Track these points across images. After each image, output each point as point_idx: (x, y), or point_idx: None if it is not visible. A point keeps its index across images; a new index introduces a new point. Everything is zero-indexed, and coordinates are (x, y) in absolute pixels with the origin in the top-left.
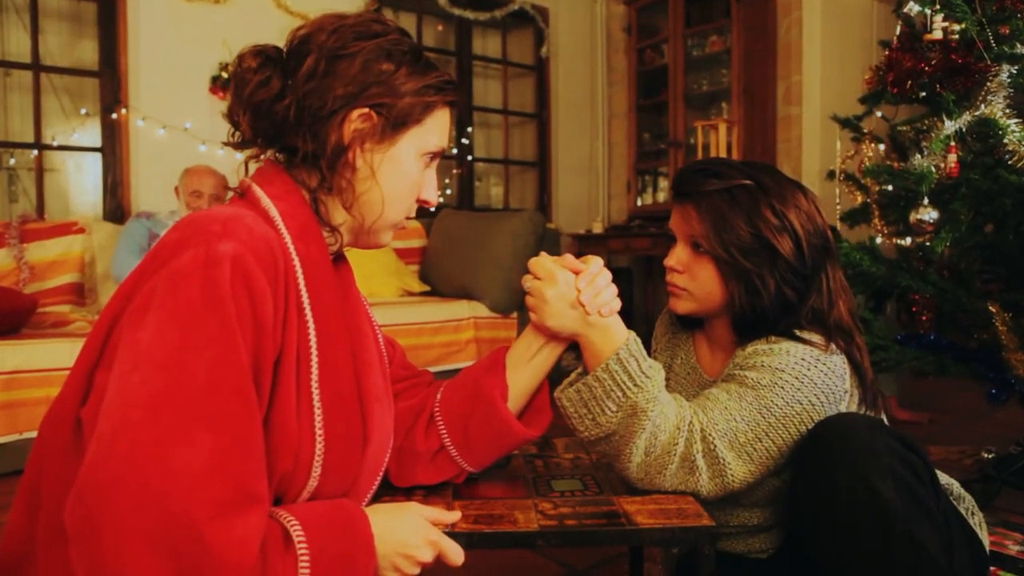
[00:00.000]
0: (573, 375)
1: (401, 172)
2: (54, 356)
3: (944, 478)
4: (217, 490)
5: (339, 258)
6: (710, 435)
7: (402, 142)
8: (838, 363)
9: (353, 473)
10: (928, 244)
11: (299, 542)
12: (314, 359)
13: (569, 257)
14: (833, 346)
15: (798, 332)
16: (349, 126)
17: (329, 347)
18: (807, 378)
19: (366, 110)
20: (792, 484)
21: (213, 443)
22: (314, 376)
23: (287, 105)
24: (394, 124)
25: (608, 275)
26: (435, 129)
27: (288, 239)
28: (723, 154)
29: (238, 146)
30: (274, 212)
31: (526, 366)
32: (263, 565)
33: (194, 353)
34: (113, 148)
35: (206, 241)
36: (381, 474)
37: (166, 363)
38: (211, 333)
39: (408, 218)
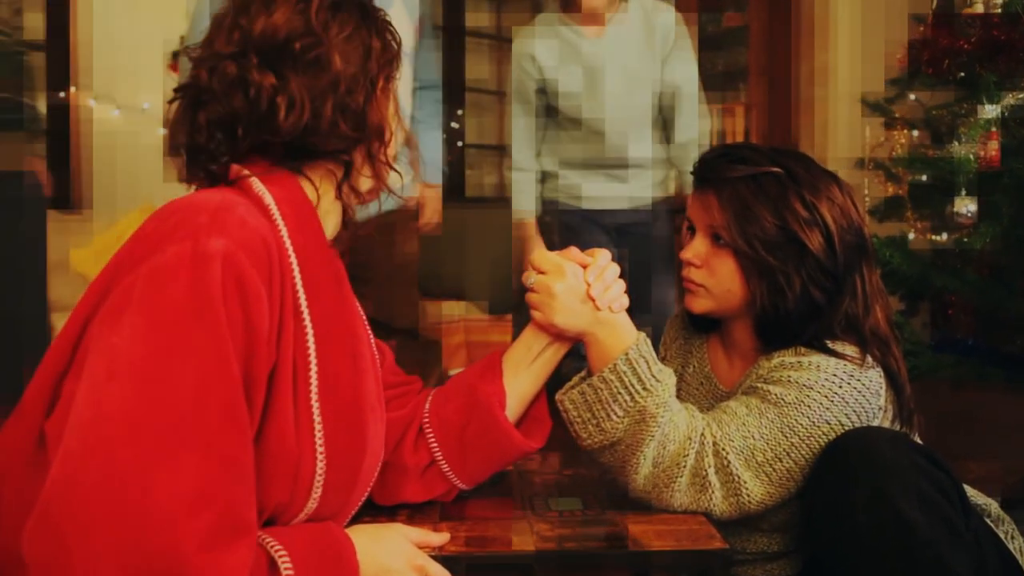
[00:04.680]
0: (576, 378)
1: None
2: None
3: (981, 498)
4: (204, 519)
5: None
6: (724, 450)
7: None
8: (874, 378)
9: (350, 491)
10: (966, 240)
11: (286, 572)
12: (313, 368)
13: (574, 250)
14: (869, 359)
15: (830, 343)
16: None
17: (329, 354)
18: (838, 396)
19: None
20: (808, 502)
21: (200, 466)
22: (313, 387)
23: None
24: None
25: (616, 269)
26: None
27: (284, 231)
28: (740, 140)
29: None
30: (269, 199)
31: (526, 370)
32: None
33: (179, 362)
34: (61, 131)
35: (193, 235)
36: (369, 490)
37: (147, 373)
38: (199, 340)
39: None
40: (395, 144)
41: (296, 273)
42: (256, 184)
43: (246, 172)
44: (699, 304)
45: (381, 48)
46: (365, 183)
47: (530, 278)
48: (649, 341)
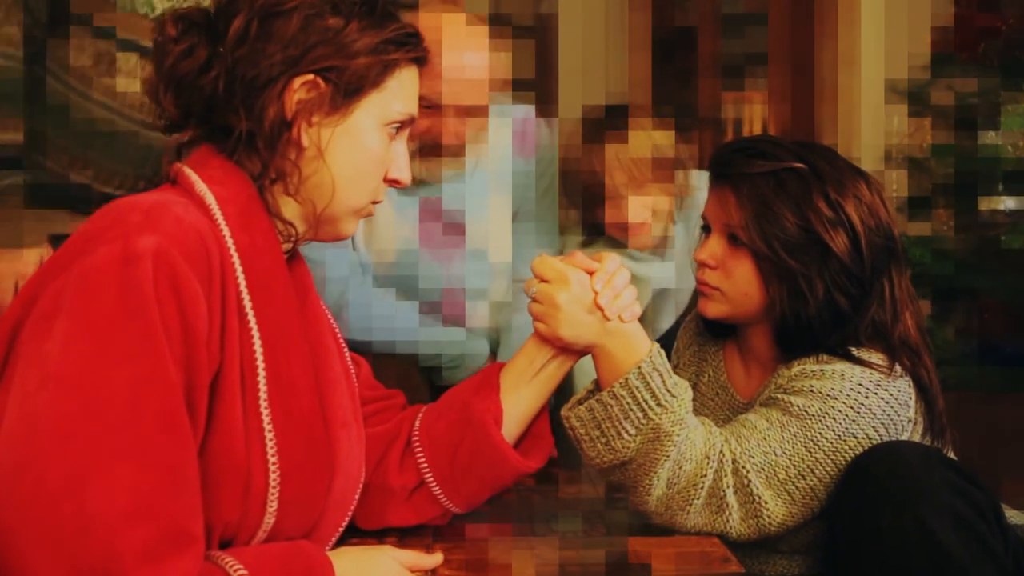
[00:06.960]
0: (583, 391)
1: (360, 147)
2: None
3: (1020, 518)
4: (144, 531)
5: (292, 257)
6: (743, 468)
7: (358, 111)
8: (903, 388)
9: (317, 509)
10: (1004, 238)
11: None
12: (261, 372)
13: (580, 255)
14: (898, 367)
15: (855, 351)
16: (291, 96)
17: (281, 358)
18: (864, 407)
19: (311, 76)
20: (832, 522)
21: (138, 475)
22: (262, 393)
23: (215, 77)
24: (347, 91)
25: (626, 274)
26: (399, 93)
27: (226, 230)
28: (758, 131)
29: (166, 129)
30: (210, 198)
31: (527, 386)
32: None
33: (112, 368)
34: None
35: (124, 234)
36: (350, 513)
37: (79, 381)
38: (132, 344)
39: (375, 202)
40: (321, 171)
41: (239, 273)
42: (198, 184)
43: (187, 170)
44: (713, 308)
45: (333, 34)
46: (289, 205)
47: (532, 287)
48: (663, 352)
